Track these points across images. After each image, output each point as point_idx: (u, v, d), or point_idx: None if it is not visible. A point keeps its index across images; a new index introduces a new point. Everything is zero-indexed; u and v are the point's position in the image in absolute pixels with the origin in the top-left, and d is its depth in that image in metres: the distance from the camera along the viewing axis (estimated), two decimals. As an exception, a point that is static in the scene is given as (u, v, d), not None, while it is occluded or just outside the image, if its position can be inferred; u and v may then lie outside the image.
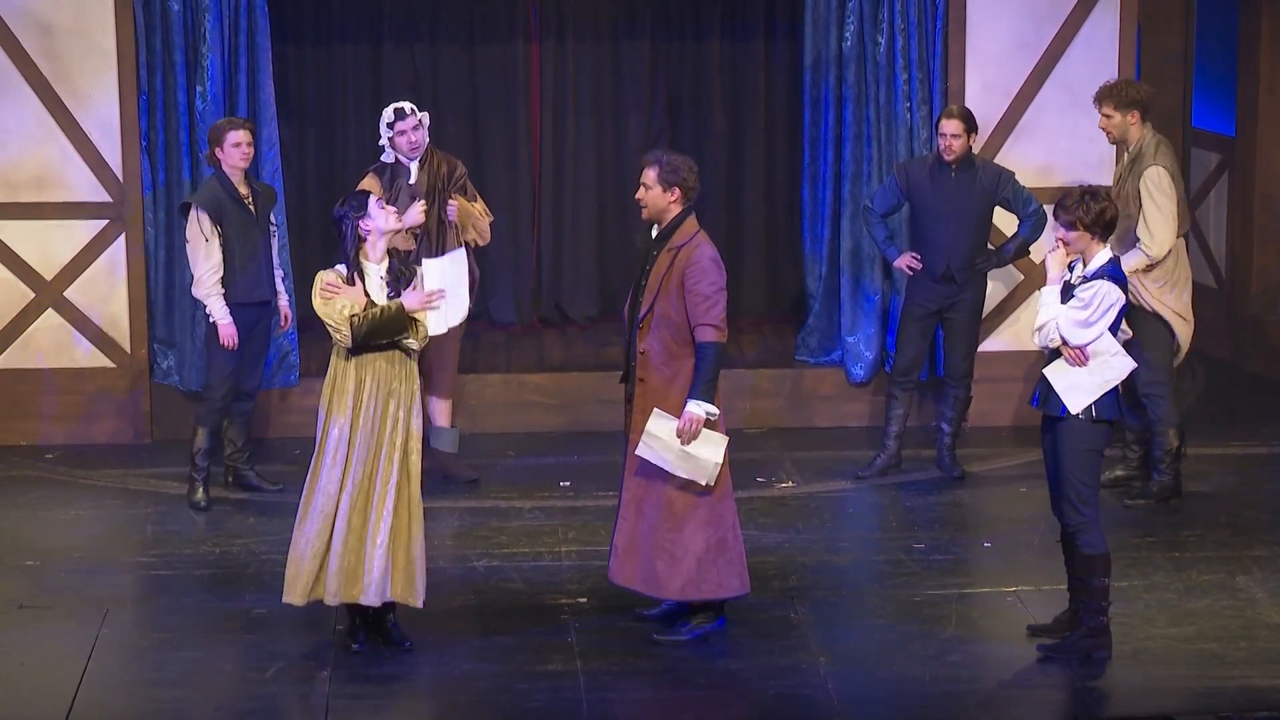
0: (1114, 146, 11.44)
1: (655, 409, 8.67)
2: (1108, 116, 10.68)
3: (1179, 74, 13.67)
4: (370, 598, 8.62)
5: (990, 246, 11.26)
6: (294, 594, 8.69)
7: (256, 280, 10.70)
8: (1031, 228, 11.19)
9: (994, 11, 12.05)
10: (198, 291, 10.65)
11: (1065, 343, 8.49)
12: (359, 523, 8.59)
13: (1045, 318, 8.52)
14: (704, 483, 8.69)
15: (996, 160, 11.66)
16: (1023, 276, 12.18)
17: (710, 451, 8.65)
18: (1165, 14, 13.47)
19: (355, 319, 8.51)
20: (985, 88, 12.05)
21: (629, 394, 8.85)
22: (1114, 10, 12.04)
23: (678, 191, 8.70)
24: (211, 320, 10.63)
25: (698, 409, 8.61)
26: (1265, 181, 13.26)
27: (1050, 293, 8.54)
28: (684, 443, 8.62)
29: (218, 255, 10.58)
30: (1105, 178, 12.01)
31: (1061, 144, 12.11)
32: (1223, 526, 10.55)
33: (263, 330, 10.90)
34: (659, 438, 8.65)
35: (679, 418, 8.62)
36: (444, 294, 8.71)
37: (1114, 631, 8.70)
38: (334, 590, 8.61)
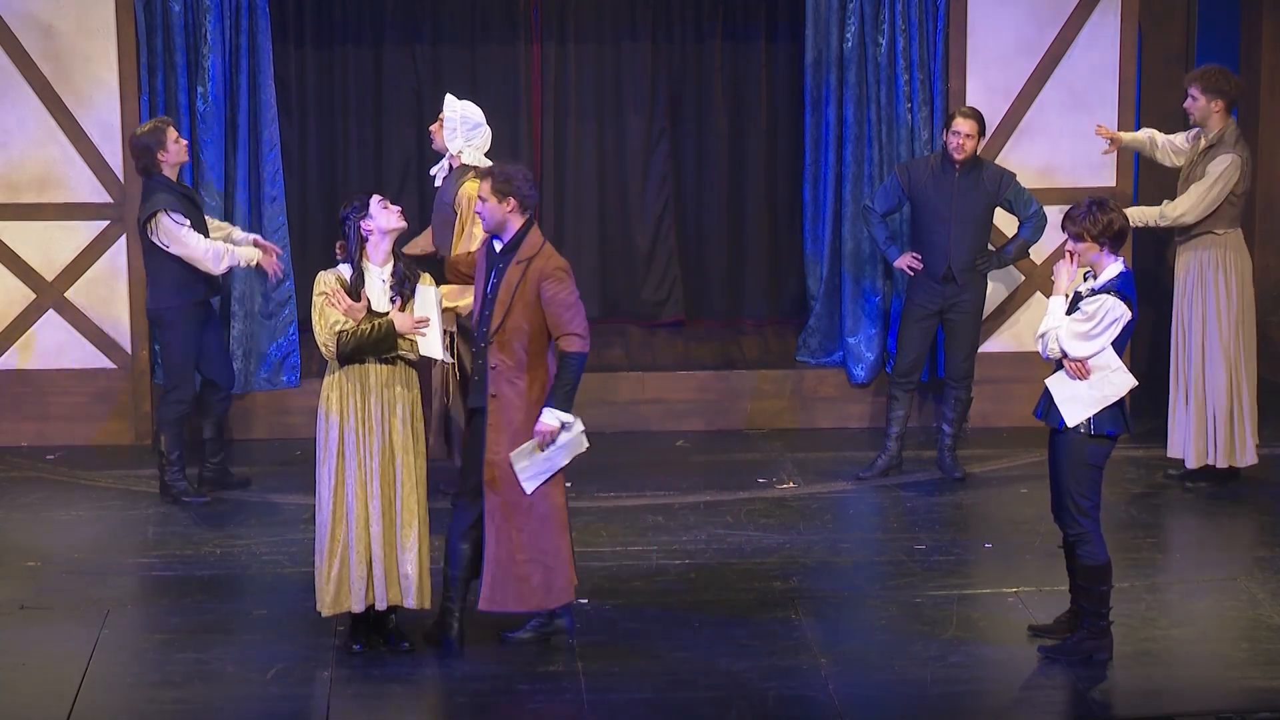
0: (1117, 149, 11.47)
1: (510, 454, 8.57)
2: (1193, 99, 10.97)
3: (1179, 74, 13.62)
4: (409, 600, 8.62)
5: (991, 248, 11.26)
6: (321, 604, 8.65)
7: (204, 275, 10.63)
8: (1032, 229, 11.19)
9: (995, 12, 12.04)
10: (218, 266, 10.52)
11: (1065, 354, 8.47)
12: (387, 527, 8.56)
13: (1047, 326, 8.50)
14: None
15: (998, 161, 11.65)
16: (1023, 278, 12.18)
17: (572, 431, 8.59)
18: (1166, 14, 13.46)
19: (343, 335, 8.41)
20: (986, 89, 12.04)
21: (480, 408, 8.66)
22: (1115, 11, 12.04)
23: (513, 201, 8.62)
24: (253, 265, 10.61)
25: (552, 419, 8.53)
26: (1267, 183, 13.24)
27: (1056, 302, 8.52)
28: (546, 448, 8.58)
29: (199, 234, 10.50)
30: (1107, 179, 12.04)
31: (1063, 145, 12.11)
32: (1224, 527, 10.56)
33: (214, 325, 10.88)
34: (532, 460, 8.58)
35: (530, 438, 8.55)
36: (428, 322, 8.56)
37: (1115, 632, 8.69)
38: (381, 594, 8.59)
